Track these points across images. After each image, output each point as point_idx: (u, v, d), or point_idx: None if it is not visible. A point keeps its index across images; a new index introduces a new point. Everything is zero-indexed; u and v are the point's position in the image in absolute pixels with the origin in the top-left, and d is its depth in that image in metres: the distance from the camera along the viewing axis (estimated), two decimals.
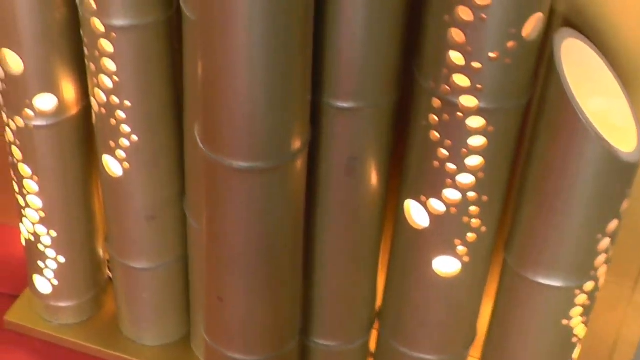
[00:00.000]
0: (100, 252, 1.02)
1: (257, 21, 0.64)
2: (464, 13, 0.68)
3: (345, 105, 0.75)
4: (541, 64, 0.74)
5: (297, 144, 0.72)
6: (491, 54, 0.69)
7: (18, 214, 0.98)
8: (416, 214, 0.82)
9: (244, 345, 0.83)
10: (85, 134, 0.91)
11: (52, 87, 0.86)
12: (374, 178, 0.80)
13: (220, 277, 0.79)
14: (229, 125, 0.69)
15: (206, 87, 0.69)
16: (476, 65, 0.70)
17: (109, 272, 1.05)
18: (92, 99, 0.85)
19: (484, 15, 0.67)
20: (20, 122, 0.88)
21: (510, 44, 0.69)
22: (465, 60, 0.70)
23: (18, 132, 0.89)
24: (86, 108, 0.89)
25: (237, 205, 0.74)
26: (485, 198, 0.78)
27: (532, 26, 0.69)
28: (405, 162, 0.80)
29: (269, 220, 0.75)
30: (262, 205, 0.74)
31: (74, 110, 0.88)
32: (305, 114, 0.72)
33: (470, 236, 0.80)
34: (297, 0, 0.64)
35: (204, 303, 0.84)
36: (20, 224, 0.98)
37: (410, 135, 0.78)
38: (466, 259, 0.82)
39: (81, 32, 0.82)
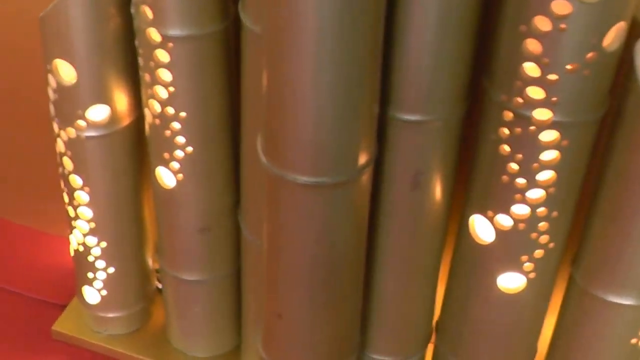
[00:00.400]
0: (150, 262, 1.00)
1: (326, 32, 0.61)
2: (542, 23, 0.65)
3: (412, 118, 0.72)
4: (620, 75, 0.71)
5: (363, 158, 0.69)
6: (569, 66, 0.66)
7: (67, 225, 0.96)
8: (481, 229, 0.79)
9: None
10: (136, 145, 0.89)
11: (104, 98, 0.83)
12: (438, 192, 0.77)
13: (280, 294, 0.76)
14: (294, 139, 0.66)
15: (271, 100, 0.66)
16: (552, 77, 0.67)
17: (157, 283, 1.03)
18: (145, 110, 0.83)
19: (563, 25, 0.64)
20: (72, 133, 0.85)
21: (590, 55, 0.65)
22: (541, 72, 0.67)
23: (69, 143, 0.86)
24: (138, 119, 0.87)
25: (301, 221, 0.71)
26: (555, 214, 0.75)
27: (613, 36, 0.65)
28: (472, 176, 0.77)
29: (333, 236, 0.72)
30: (327, 221, 0.71)
31: (126, 121, 0.86)
32: (373, 127, 0.69)
33: (538, 252, 0.77)
34: (368, 10, 0.61)
35: (262, 319, 0.81)
36: (70, 235, 0.96)
37: (478, 149, 0.75)
38: (532, 275, 0.79)
39: (135, 43, 0.80)
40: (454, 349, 0.88)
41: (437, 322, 0.90)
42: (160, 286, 1.04)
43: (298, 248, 0.73)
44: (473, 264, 0.80)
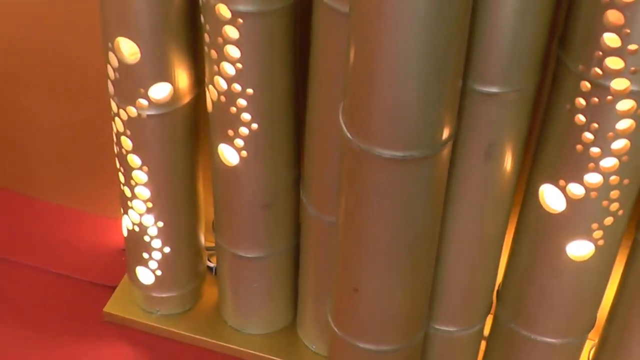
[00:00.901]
0: (202, 241, 1.00)
1: (420, 4, 0.61)
2: None
3: (490, 90, 0.72)
4: None
5: (447, 132, 0.69)
6: None
7: (118, 206, 0.95)
8: (551, 198, 0.79)
9: (378, 335, 0.81)
10: (194, 123, 0.89)
11: (167, 75, 0.83)
12: (509, 163, 0.78)
13: (357, 268, 0.77)
14: (383, 113, 0.66)
15: (359, 74, 0.66)
16: (632, 47, 0.67)
17: (208, 261, 1.03)
18: (209, 87, 0.83)
19: None
20: (132, 112, 0.85)
21: None
22: (622, 42, 0.67)
23: (129, 122, 0.86)
24: (197, 96, 0.87)
25: (384, 196, 0.71)
26: (626, 181, 0.76)
27: None
28: (543, 146, 0.77)
29: (414, 210, 0.73)
30: (409, 195, 0.71)
31: (186, 98, 0.86)
32: (457, 101, 0.70)
33: (608, 220, 0.78)
34: None
35: (334, 293, 0.82)
36: (124, 216, 0.95)
37: (550, 119, 0.75)
38: (600, 242, 0.80)
39: (201, 19, 0.79)
40: (516, 317, 0.88)
41: (499, 291, 0.91)
42: (210, 265, 1.05)
43: (379, 222, 0.73)
44: (541, 232, 0.81)
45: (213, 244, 1.02)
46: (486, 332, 0.95)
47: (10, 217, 1.12)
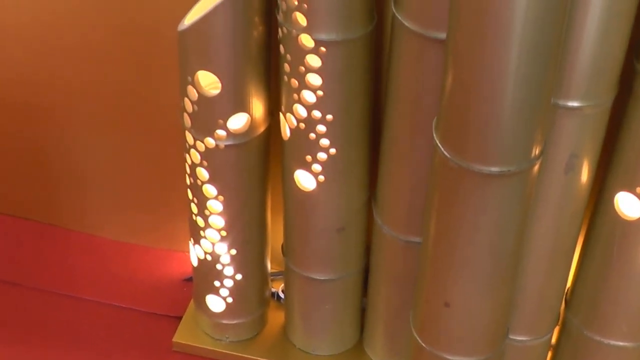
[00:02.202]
0: (269, 267, 1.01)
1: (523, 27, 0.63)
2: None
3: (573, 104, 0.75)
4: None
5: (539, 146, 0.72)
6: None
7: (190, 235, 0.97)
8: (627, 205, 0.82)
9: (467, 347, 0.83)
10: (267, 151, 0.91)
11: (245, 106, 0.85)
12: (588, 174, 0.81)
13: (449, 283, 0.79)
14: (482, 132, 0.68)
15: (457, 96, 0.69)
16: None
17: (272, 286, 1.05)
18: (287, 115, 0.85)
19: None
20: (210, 143, 0.86)
21: None
22: None
23: (206, 154, 0.88)
24: (271, 125, 0.89)
25: (478, 211, 0.73)
26: None
27: None
28: (619, 155, 0.80)
29: (507, 224, 0.75)
30: (503, 209, 0.73)
31: (262, 128, 0.87)
32: (549, 116, 0.72)
33: None
34: (558, 6, 0.64)
35: (419, 308, 0.84)
36: (195, 246, 0.96)
37: (628, 129, 0.78)
38: None
39: (281, 50, 0.82)
40: (588, 323, 0.91)
41: (569, 297, 0.93)
42: (272, 290, 1.06)
43: (473, 237, 0.75)
44: (617, 239, 0.84)
45: (276, 270, 1.05)
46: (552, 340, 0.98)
47: (70, 255, 1.13)
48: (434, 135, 0.73)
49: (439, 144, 0.72)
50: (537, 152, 0.72)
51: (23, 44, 1.00)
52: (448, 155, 0.72)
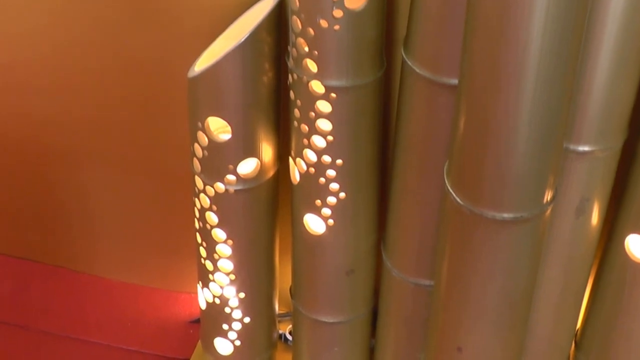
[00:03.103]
0: (277, 309, 1.01)
1: (531, 77, 0.64)
2: None
3: (584, 149, 0.75)
4: None
5: (552, 191, 0.71)
6: None
7: (199, 279, 0.96)
8: (637, 248, 0.82)
9: None
10: (276, 195, 0.90)
11: (255, 151, 0.84)
12: (599, 216, 0.80)
13: (462, 328, 0.78)
14: (496, 178, 0.68)
15: (469, 142, 0.68)
16: None
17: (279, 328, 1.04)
18: (297, 160, 0.84)
19: None
20: (220, 188, 0.86)
21: None
22: None
23: (215, 198, 0.87)
24: (280, 169, 0.89)
25: (491, 256, 0.73)
26: None
27: None
28: (629, 197, 0.80)
29: (520, 268, 0.74)
30: (516, 254, 0.73)
31: (271, 172, 0.87)
32: (561, 161, 0.72)
33: None
34: (571, 52, 0.64)
35: (433, 352, 0.83)
36: (203, 289, 0.96)
37: (637, 171, 0.78)
38: None
39: (291, 95, 0.81)
40: None
41: (579, 339, 0.93)
42: (279, 332, 1.05)
43: (487, 282, 0.75)
44: (626, 281, 0.83)
45: (283, 311, 1.04)
46: None
47: (77, 297, 1.12)
48: (445, 181, 0.73)
49: (451, 190, 0.72)
50: (549, 197, 0.71)
51: (32, 84, 1.00)
52: (460, 202, 0.72)
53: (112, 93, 0.98)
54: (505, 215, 0.70)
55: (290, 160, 0.87)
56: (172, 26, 0.90)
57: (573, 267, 0.84)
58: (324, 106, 0.79)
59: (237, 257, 0.91)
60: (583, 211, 0.79)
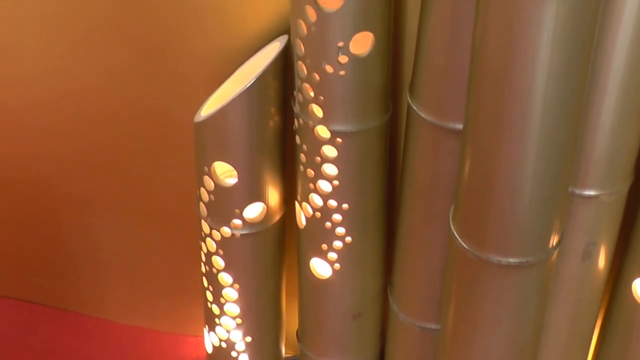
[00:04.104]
0: (283, 351, 1.00)
1: (535, 122, 0.64)
2: None
3: (590, 193, 0.75)
4: None
5: (558, 235, 0.71)
6: None
7: (205, 323, 0.95)
8: None
9: None
10: (282, 239, 0.90)
11: (261, 195, 0.84)
12: (605, 260, 0.80)
13: None
14: (501, 224, 0.68)
15: (475, 187, 0.68)
16: None
17: None
18: (303, 204, 0.84)
19: None
20: (226, 232, 0.86)
21: None
22: None
23: (222, 242, 0.87)
24: (286, 213, 0.89)
25: (497, 300, 0.72)
26: None
27: None
28: (636, 241, 0.79)
29: (526, 312, 0.73)
30: (521, 299, 0.72)
31: (277, 216, 0.87)
32: (566, 206, 0.72)
33: None
34: (575, 100, 0.64)
35: None
36: (210, 333, 0.95)
37: None
38: None
39: (297, 140, 0.81)
40: None
41: None
42: None
43: (493, 326, 0.74)
44: (634, 325, 0.82)
45: (290, 354, 1.03)
46: None
47: (84, 341, 1.11)
48: (451, 225, 0.73)
49: (456, 235, 0.72)
50: (555, 242, 0.71)
51: (42, 127, 1.01)
52: (466, 246, 0.71)
53: (120, 137, 0.98)
54: (511, 260, 0.69)
55: (297, 204, 0.86)
56: (179, 71, 0.91)
57: (580, 311, 0.83)
58: (329, 151, 0.79)
59: (244, 301, 0.91)
60: (589, 255, 0.78)
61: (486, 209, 0.68)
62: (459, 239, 0.72)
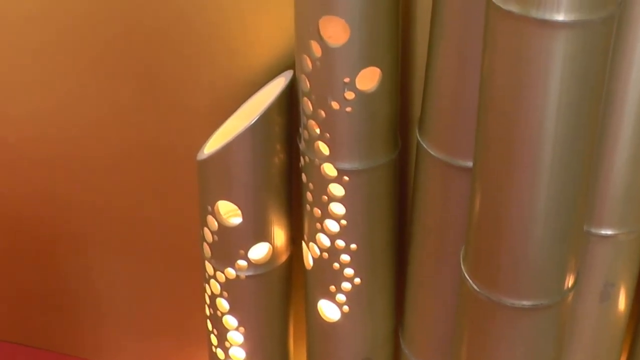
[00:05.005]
0: None
1: (547, 161, 0.65)
2: None
3: (607, 232, 0.76)
4: None
5: (573, 277, 0.72)
6: None
7: None
8: None
9: None
10: (289, 280, 0.91)
11: (266, 236, 0.86)
12: (625, 301, 0.81)
13: None
14: (514, 266, 0.69)
15: (486, 228, 0.69)
16: None
17: None
18: (310, 244, 0.86)
19: None
20: (231, 273, 0.87)
21: None
22: None
23: (226, 284, 0.88)
24: (293, 253, 0.90)
25: (510, 342, 0.73)
26: None
27: None
28: None
29: (539, 356, 0.75)
30: (535, 341, 0.73)
31: (284, 257, 0.88)
32: (582, 247, 0.73)
33: None
34: (587, 135, 0.66)
35: None
36: None
37: None
38: None
39: (303, 178, 0.83)
40: None
41: None
42: None
43: None
44: None
45: None
46: None
47: None
48: (462, 266, 0.74)
49: (467, 277, 0.73)
50: (570, 283, 0.72)
51: (42, 164, 1.03)
52: (477, 288, 0.72)
53: (122, 176, 1.00)
54: (524, 302, 0.71)
55: (303, 244, 0.88)
56: (183, 106, 0.93)
57: (599, 354, 0.84)
58: (336, 189, 0.81)
59: (250, 345, 0.92)
60: (608, 296, 0.79)
61: (497, 249, 0.70)
62: (469, 280, 0.73)
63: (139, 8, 0.87)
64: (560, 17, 0.58)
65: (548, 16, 0.59)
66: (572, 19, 0.58)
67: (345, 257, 0.84)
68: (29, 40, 0.93)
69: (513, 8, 0.60)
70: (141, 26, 0.88)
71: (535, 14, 0.59)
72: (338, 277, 0.86)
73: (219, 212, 0.85)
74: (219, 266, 0.88)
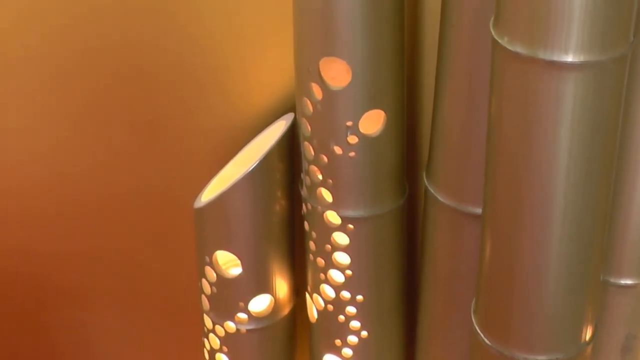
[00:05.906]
0: None
1: (558, 209, 0.65)
2: None
3: (627, 282, 0.76)
4: None
5: (591, 330, 0.72)
6: None
7: None
8: None
9: None
10: (293, 333, 0.91)
11: (268, 287, 0.86)
12: None
13: None
14: (527, 318, 0.69)
15: (497, 279, 0.69)
16: None
17: None
18: (314, 296, 0.86)
19: None
20: (230, 327, 0.87)
21: None
22: None
23: (226, 339, 0.88)
24: (297, 305, 0.90)
25: None
26: None
27: None
28: None
29: None
30: None
31: (286, 309, 0.89)
32: (599, 298, 0.73)
33: None
34: (602, 179, 0.66)
35: None
36: None
37: None
38: None
39: (305, 226, 0.84)
40: None
41: None
42: None
43: None
44: None
45: None
46: None
47: None
48: (473, 318, 0.74)
49: (479, 330, 0.73)
50: (588, 336, 0.72)
51: (32, 214, 1.03)
52: (489, 342, 0.72)
53: (117, 224, 1.01)
54: (539, 357, 0.71)
55: (307, 295, 0.88)
56: (180, 151, 0.94)
57: None
58: (341, 238, 0.81)
59: None
60: (630, 349, 0.79)
61: (509, 301, 0.70)
62: (481, 334, 0.73)
63: (136, 52, 0.88)
64: (569, 58, 0.59)
65: (556, 57, 0.59)
66: (582, 60, 0.59)
67: (351, 309, 0.84)
68: (21, 82, 0.94)
69: (520, 49, 0.60)
70: (138, 70, 0.90)
71: (543, 55, 0.59)
72: (344, 331, 0.86)
73: (217, 263, 0.85)
74: (218, 319, 0.88)
